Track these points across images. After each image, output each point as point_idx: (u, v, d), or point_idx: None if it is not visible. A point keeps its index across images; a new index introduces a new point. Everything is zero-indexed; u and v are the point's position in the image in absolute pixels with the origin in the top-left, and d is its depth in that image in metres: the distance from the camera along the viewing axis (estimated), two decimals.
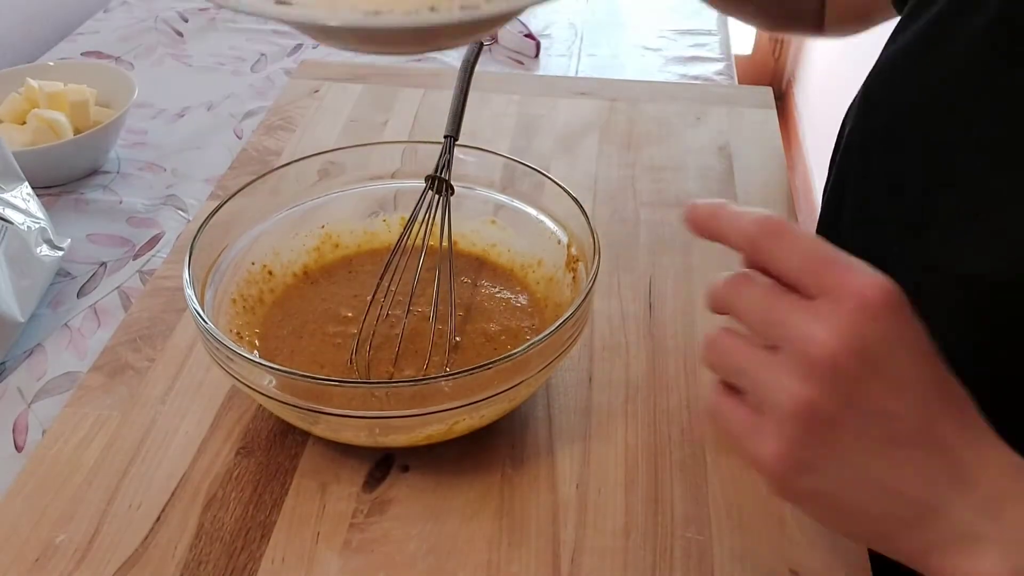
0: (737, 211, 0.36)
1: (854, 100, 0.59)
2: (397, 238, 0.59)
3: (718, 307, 0.38)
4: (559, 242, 0.61)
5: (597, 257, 0.54)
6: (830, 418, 0.32)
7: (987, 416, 0.35)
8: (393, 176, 0.66)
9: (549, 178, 0.61)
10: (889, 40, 0.56)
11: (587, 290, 0.52)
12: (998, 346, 0.46)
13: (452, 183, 0.61)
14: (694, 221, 0.38)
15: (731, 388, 0.36)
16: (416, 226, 0.58)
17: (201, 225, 0.56)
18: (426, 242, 0.57)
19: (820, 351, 0.32)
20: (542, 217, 0.63)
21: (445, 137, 0.61)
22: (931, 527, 0.33)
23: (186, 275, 0.53)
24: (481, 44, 0.63)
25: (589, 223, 0.57)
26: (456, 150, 0.64)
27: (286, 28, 1.04)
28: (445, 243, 0.58)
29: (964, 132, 0.49)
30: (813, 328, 0.32)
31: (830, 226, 0.64)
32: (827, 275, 0.33)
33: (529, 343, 0.48)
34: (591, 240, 0.56)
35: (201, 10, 1.12)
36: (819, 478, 0.33)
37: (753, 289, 0.35)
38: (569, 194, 0.59)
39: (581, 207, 0.58)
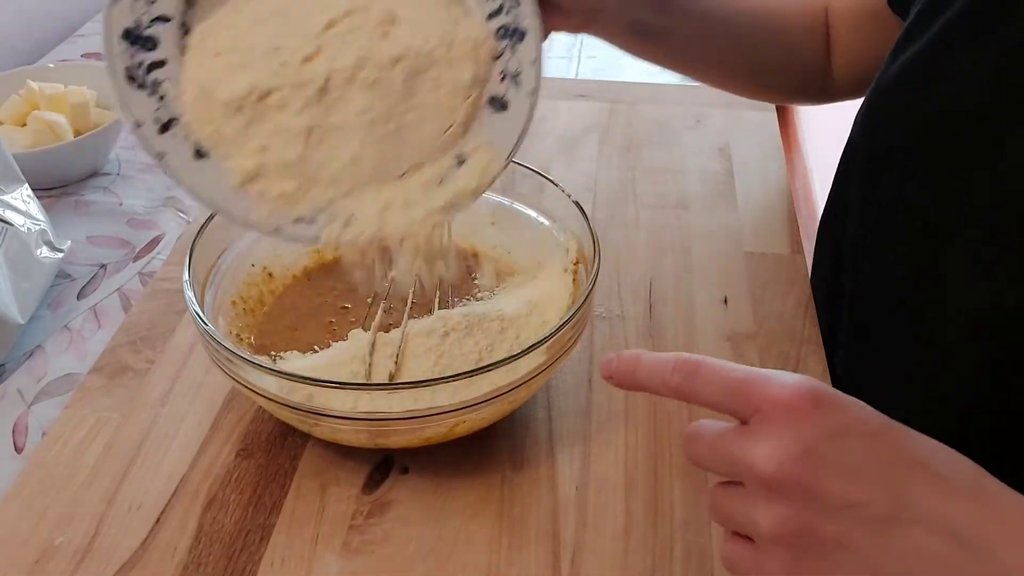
0: (651, 362, 0.37)
1: (858, 115, 0.58)
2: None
3: (697, 464, 0.38)
4: (559, 244, 0.61)
5: (597, 259, 0.54)
6: (808, 526, 0.33)
7: (1005, 443, 0.34)
8: None
9: (549, 180, 0.61)
10: (892, 54, 0.55)
11: (587, 292, 0.52)
12: (1013, 371, 0.46)
13: None
14: (615, 377, 0.39)
15: (735, 534, 0.36)
16: None
17: (201, 227, 0.56)
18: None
19: (768, 470, 0.32)
20: (542, 219, 0.63)
21: None
22: None
23: (186, 277, 0.53)
24: None
25: (589, 225, 0.57)
26: None
27: None
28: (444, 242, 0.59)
29: (977, 153, 0.48)
30: (755, 453, 0.33)
31: (834, 243, 0.64)
32: (750, 398, 0.34)
33: (529, 345, 0.48)
34: (591, 242, 0.56)
35: None
36: (810, 560, 0.33)
37: (699, 442, 0.36)
38: (569, 196, 0.59)
39: (581, 209, 0.58)
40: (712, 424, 0.36)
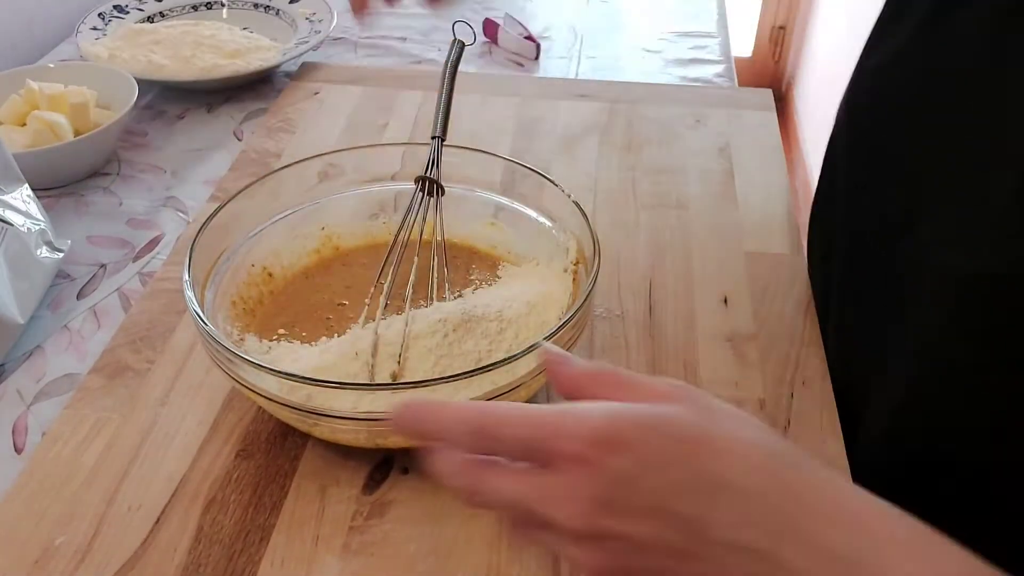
0: (443, 416, 0.36)
1: (840, 104, 0.59)
2: (393, 238, 0.60)
3: (475, 505, 0.38)
4: (559, 244, 0.61)
5: (597, 259, 0.54)
6: (622, 566, 0.34)
7: (991, 411, 0.34)
8: (393, 178, 0.66)
9: (549, 180, 0.61)
10: (868, 44, 0.56)
11: (587, 292, 0.52)
12: (993, 338, 0.46)
13: (445, 184, 0.61)
14: (406, 430, 0.38)
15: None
16: (409, 226, 0.59)
17: (201, 227, 0.56)
18: (420, 241, 0.58)
19: (574, 527, 0.34)
20: (542, 219, 0.63)
21: (433, 138, 0.62)
22: None
23: (186, 277, 0.53)
24: (463, 44, 0.64)
25: (589, 225, 0.57)
26: (456, 151, 0.64)
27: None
28: (439, 239, 0.59)
29: (950, 132, 0.49)
30: (557, 515, 0.34)
31: (825, 232, 0.64)
32: (544, 453, 0.34)
33: (529, 346, 0.48)
34: (591, 242, 0.56)
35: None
36: None
37: (500, 491, 0.36)
38: (569, 196, 0.59)
39: (581, 209, 0.58)
40: (501, 484, 0.36)
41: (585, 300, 0.51)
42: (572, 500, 0.34)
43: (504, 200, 0.64)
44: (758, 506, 0.33)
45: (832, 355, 0.62)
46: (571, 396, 0.37)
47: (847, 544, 0.32)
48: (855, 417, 0.60)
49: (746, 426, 0.35)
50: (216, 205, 0.58)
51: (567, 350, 0.51)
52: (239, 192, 0.60)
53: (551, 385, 0.39)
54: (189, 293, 0.52)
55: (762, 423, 0.37)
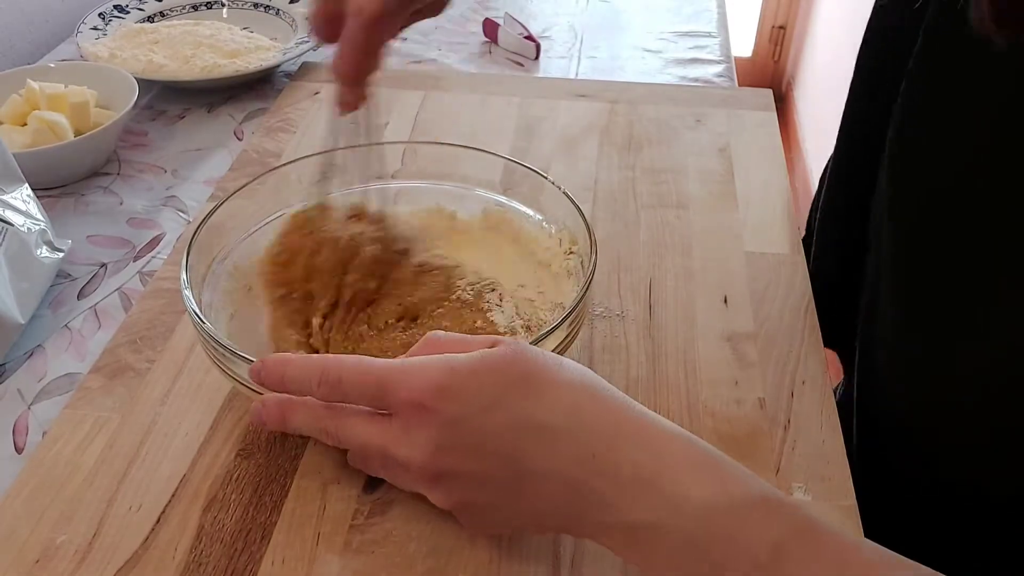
0: (298, 369, 0.43)
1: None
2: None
3: (331, 443, 0.45)
4: (559, 243, 0.61)
5: (594, 256, 0.54)
6: (461, 500, 0.41)
7: None
8: (393, 177, 0.66)
9: (545, 178, 0.61)
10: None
11: (581, 294, 0.51)
12: None
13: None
14: (263, 380, 0.44)
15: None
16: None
17: (198, 225, 0.56)
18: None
19: (417, 467, 0.40)
20: (540, 218, 0.62)
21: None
22: (581, 523, 0.39)
23: (184, 277, 0.53)
24: None
25: (585, 221, 0.56)
26: (455, 150, 0.64)
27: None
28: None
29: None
30: (401, 455, 0.40)
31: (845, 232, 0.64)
32: (386, 403, 0.40)
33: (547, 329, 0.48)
34: (588, 240, 0.56)
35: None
36: (484, 519, 0.42)
37: (351, 433, 0.42)
38: (566, 194, 0.59)
39: (577, 206, 0.58)
40: (352, 427, 0.42)
41: (580, 301, 0.51)
42: (413, 443, 0.39)
43: (503, 199, 0.64)
44: (566, 441, 0.37)
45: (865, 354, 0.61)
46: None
47: (645, 469, 0.36)
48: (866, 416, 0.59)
49: (563, 369, 0.39)
50: (214, 204, 0.58)
51: (563, 349, 0.51)
52: (237, 190, 0.60)
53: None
54: (187, 292, 0.52)
55: (581, 366, 0.41)
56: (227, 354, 0.49)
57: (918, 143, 0.55)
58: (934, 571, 0.35)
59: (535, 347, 0.41)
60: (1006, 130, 0.48)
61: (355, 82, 0.53)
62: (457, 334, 0.43)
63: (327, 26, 0.51)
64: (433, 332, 0.44)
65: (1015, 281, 0.49)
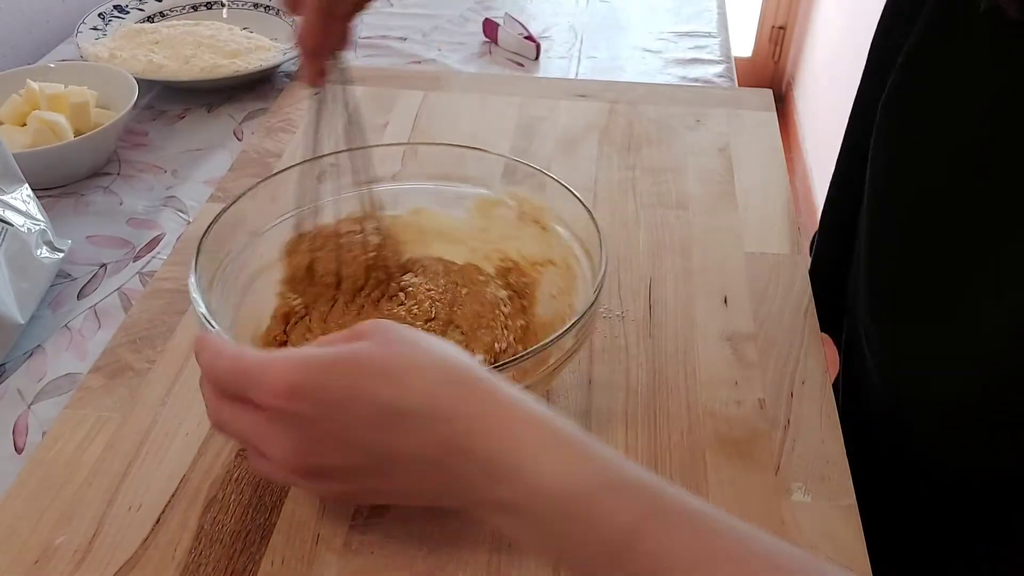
0: (200, 359, 0.42)
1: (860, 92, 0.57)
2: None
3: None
4: (563, 243, 0.60)
5: (604, 263, 0.54)
6: (333, 490, 0.41)
7: None
8: (394, 178, 0.66)
9: (552, 177, 0.61)
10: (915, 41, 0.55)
11: (592, 300, 0.51)
12: None
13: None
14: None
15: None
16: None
17: (207, 228, 0.56)
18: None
19: (288, 465, 0.39)
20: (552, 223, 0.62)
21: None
22: (451, 500, 0.40)
23: (192, 280, 0.52)
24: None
25: (594, 221, 0.56)
26: (457, 150, 0.64)
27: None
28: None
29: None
30: (269, 452, 0.39)
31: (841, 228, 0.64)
32: (249, 394, 0.39)
33: (531, 349, 0.48)
34: (596, 240, 0.55)
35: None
36: (358, 500, 0.45)
37: (229, 426, 0.41)
38: (573, 193, 0.58)
39: (586, 207, 0.57)
40: (229, 420, 0.41)
41: (591, 307, 0.50)
42: (276, 442, 0.39)
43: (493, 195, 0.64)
44: (427, 426, 0.37)
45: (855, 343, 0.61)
46: None
47: (502, 453, 0.37)
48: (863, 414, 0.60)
49: (421, 352, 0.39)
50: (216, 204, 0.58)
51: (571, 355, 0.51)
52: (243, 193, 0.59)
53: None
54: (195, 295, 0.51)
55: (445, 343, 0.40)
56: None
57: (902, 129, 0.56)
58: (778, 539, 0.35)
59: (397, 330, 0.40)
60: (983, 118, 0.48)
61: (316, 53, 0.54)
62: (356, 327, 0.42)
63: None
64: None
65: (993, 268, 0.49)
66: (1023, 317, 0.48)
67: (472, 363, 0.40)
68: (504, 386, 0.39)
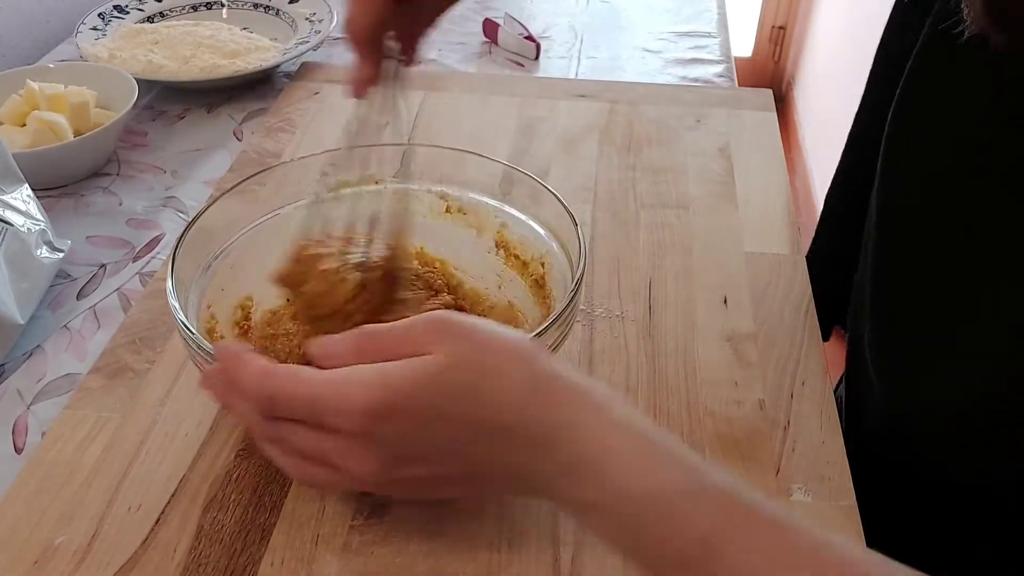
0: (237, 390, 0.41)
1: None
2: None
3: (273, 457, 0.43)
4: (549, 244, 0.60)
5: (583, 261, 0.52)
6: (417, 493, 0.41)
7: None
8: (393, 178, 0.66)
9: (539, 182, 0.60)
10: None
11: (568, 301, 0.50)
12: None
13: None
14: (214, 397, 0.43)
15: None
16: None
17: (185, 229, 0.55)
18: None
19: (371, 485, 0.40)
20: (531, 222, 0.61)
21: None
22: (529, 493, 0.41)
23: (169, 285, 0.51)
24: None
25: (577, 228, 0.55)
26: (453, 154, 0.64)
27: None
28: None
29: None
30: (355, 476, 0.39)
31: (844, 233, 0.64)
32: (328, 424, 0.39)
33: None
34: (578, 247, 0.54)
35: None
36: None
37: (300, 446, 0.41)
38: (557, 198, 0.58)
39: (569, 212, 0.56)
40: (300, 441, 0.40)
41: (567, 310, 0.49)
42: (359, 460, 0.39)
43: (494, 203, 0.63)
44: (514, 438, 0.38)
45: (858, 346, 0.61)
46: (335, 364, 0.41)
47: (585, 459, 0.37)
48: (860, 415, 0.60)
49: (500, 361, 0.39)
50: (207, 204, 0.58)
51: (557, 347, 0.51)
52: (231, 188, 0.59)
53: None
54: (174, 301, 0.51)
55: (515, 336, 0.40)
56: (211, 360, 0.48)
57: (910, 138, 0.55)
58: (855, 545, 0.36)
59: (464, 332, 0.40)
60: (994, 129, 0.48)
61: (371, 41, 0.48)
62: (393, 323, 0.41)
63: None
64: (369, 325, 0.42)
65: (997, 277, 0.49)
66: (1013, 350, 0.48)
67: (549, 360, 0.40)
68: (586, 385, 0.39)
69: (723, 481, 0.37)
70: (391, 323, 0.41)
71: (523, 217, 0.61)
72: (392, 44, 0.50)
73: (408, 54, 0.51)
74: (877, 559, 0.35)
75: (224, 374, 0.41)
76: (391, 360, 0.39)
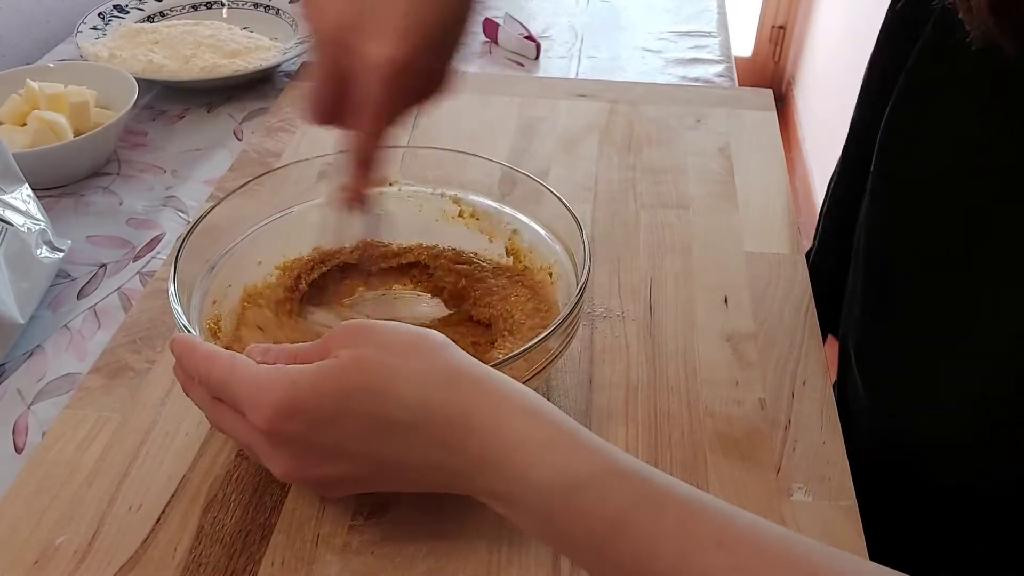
0: (187, 365, 0.44)
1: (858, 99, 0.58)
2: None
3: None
4: (553, 248, 0.60)
5: (588, 266, 0.53)
6: (333, 490, 0.43)
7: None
8: (392, 183, 0.66)
9: (541, 184, 0.60)
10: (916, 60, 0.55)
11: (577, 296, 0.51)
12: None
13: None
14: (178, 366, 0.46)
15: None
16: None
17: (190, 229, 0.55)
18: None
19: (284, 477, 0.42)
20: (534, 224, 0.62)
21: None
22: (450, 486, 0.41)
23: (172, 289, 0.52)
24: None
25: (581, 231, 0.55)
26: (453, 155, 0.64)
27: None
28: None
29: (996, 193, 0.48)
30: (267, 463, 0.42)
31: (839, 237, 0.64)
32: (245, 412, 0.41)
33: (510, 355, 0.48)
34: (582, 248, 0.55)
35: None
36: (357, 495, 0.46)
37: (229, 431, 0.44)
38: (562, 201, 0.58)
39: (573, 214, 0.56)
40: (228, 425, 0.43)
41: (573, 311, 0.50)
42: (274, 456, 0.41)
43: (494, 204, 0.63)
44: (419, 433, 0.39)
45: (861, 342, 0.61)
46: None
47: (493, 450, 0.38)
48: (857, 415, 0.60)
49: (403, 358, 0.40)
50: (210, 205, 0.58)
51: (554, 359, 0.51)
52: (234, 191, 0.59)
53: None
54: (176, 306, 0.51)
55: (421, 333, 0.41)
56: None
57: (903, 141, 0.56)
58: (767, 522, 0.36)
59: (371, 334, 0.41)
60: (988, 133, 0.48)
61: (370, 158, 0.48)
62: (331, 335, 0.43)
63: (328, 107, 0.47)
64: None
65: (994, 281, 0.49)
66: (1012, 351, 0.48)
67: (454, 352, 0.41)
68: (492, 378, 0.40)
69: (633, 465, 0.38)
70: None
71: (535, 226, 0.61)
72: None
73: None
74: (788, 535, 0.35)
75: (180, 362, 0.45)
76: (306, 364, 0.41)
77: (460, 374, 0.40)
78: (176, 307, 0.51)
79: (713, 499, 0.37)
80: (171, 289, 0.52)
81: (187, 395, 0.47)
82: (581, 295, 0.51)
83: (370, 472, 0.41)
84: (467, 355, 0.41)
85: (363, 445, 0.40)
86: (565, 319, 0.50)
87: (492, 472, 0.38)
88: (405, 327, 0.42)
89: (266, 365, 0.42)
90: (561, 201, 0.58)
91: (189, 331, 0.50)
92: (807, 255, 0.72)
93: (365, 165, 0.49)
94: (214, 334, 0.56)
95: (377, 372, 0.39)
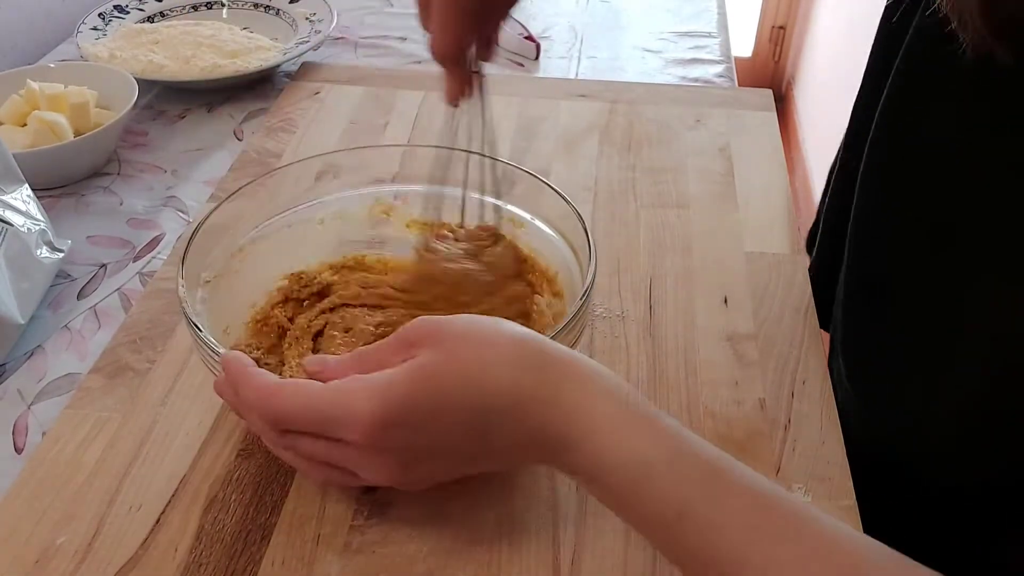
0: (243, 405, 0.44)
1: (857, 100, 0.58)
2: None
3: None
4: (556, 247, 0.60)
5: (593, 264, 0.53)
6: (436, 481, 0.44)
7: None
8: (393, 179, 0.66)
9: (546, 183, 0.60)
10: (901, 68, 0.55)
11: (581, 303, 0.50)
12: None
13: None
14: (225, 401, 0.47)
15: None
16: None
17: (195, 229, 0.56)
18: None
19: (384, 482, 0.43)
20: (537, 222, 0.62)
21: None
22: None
23: (180, 284, 0.52)
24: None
25: (585, 229, 0.56)
26: (452, 154, 0.64)
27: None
28: None
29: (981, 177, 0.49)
30: (369, 478, 0.43)
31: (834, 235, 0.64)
32: (335, 438, 0.41)
33: None
34: (586, 245, 0.55)
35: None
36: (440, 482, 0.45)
37: (314, 455, 0.43)
38: (565, 199, 0.58)
39: (577, 212, 0.57)
40: (313, 450, 0.43)
41: (581, 308, 0.50)
42: (375, 467, 0.42)
43: (498, 202, 0.63)
44: (515, 417, 0.40)
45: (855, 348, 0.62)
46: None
47: (575, 430, 0.40)
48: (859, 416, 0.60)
49: (487, 348, 0.41)
50: (214, 205, 0.58)
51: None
52: (235, 192, 0.59)
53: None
54: (183, 292, 0.51)
55: (500, 324, 0.42)
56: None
57: (893, 137, 0.56)
58: (831, 517, 0.36)
59: (450, 329, 0.42)
60: (978, 135, 0.48)
61: (455, 59, 0.53)
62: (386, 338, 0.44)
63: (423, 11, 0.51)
64: (361, 349, 0.45)
65: (982, 280, 0.49)
66: (1004, 350, 0.48)
67: (537, 339, 0.42)
68: (574, 360, 0.41)
69: (705, 449, 0.39)
70: (384, 339, 0.43)
71: (546, 228, 0.61)
72: (472, 56, 0.55)
73: (485, 56, 0.56)
74: (856, 534, 0.36)
75: (231, 387, 0.44)
76: (388, 368, 0.41)
77: (547, 356, 0.41)
78: (185, 306, 0.51)
79: (781, 491, 0.37)
80: (180, 290, 0.51)
81: (239, 416, 0.47)
82: (586, 296, 0.51)
83: (464, 459, 0.42)
84: (544, 336, 0.43)
85: (461, 436, 0.41)
86: (572, 319, 0.50)
87: (574, 450, 0.40)
88: (472, 317, 0.43)
89: (339, 381, 0.41)
90: (564, 199, 0.58)
91: (199, 329, 0.49)
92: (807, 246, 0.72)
93: (452, 63, 0.53)
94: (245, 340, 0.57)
95: (470, 365, 0.40)
